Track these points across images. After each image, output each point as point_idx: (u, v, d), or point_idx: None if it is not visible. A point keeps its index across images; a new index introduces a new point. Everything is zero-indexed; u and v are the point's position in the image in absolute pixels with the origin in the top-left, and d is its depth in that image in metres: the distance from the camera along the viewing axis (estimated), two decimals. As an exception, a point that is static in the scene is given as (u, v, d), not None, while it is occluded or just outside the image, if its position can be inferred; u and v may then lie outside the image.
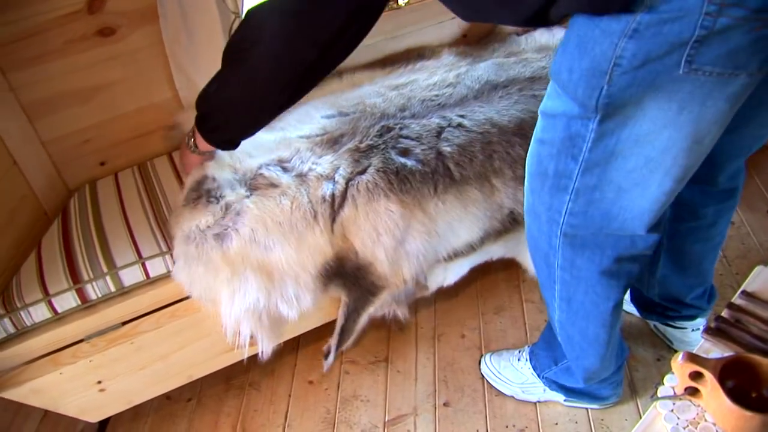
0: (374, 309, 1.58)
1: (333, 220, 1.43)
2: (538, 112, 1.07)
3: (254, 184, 1.48)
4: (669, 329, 1.63)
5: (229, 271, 1.38)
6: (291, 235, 1.40)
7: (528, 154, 1.14)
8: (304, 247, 1.41)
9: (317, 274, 1.44)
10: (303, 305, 1.44)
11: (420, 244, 1.47)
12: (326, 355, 1.62)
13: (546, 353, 1.51)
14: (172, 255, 1.45)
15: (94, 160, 1.85)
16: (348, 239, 1.45)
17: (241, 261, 1.38)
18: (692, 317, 1.57)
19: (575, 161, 1.00)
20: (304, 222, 1.41)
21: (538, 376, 1.55)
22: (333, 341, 1.60)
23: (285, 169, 1.53)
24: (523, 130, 1.56)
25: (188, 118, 1.62)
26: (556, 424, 1.54)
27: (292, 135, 1.65)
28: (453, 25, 2.15)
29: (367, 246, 1.45)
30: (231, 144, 1.38)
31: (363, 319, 1.59)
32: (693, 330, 1.59)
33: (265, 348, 1.50)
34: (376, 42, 2.06)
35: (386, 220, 1.43)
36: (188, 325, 1.47)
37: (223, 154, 1.55)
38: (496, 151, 1.53)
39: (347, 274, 1.49)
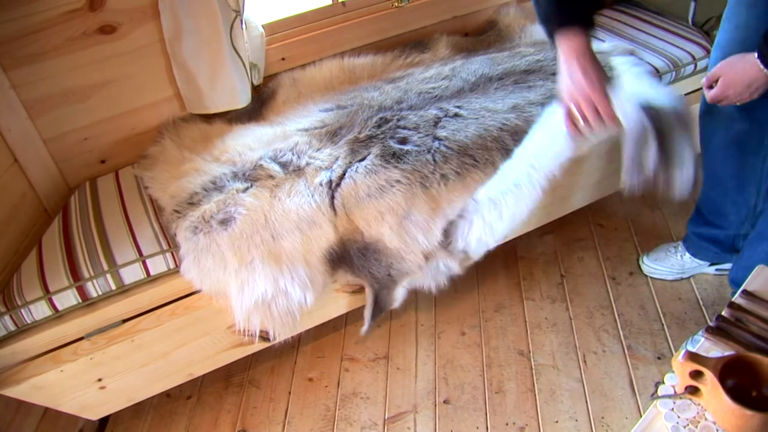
0: (407, 283, 1.58)
1: (332, 197, 1.45)
2: None
3: (254, 175, 1.53)
4: None
5: (236, 262, 1.39)
6: (294, 219, 1.42)
7: None
8: (307, 231, 1.43)
9: (323, 257, 1.45)
10: (314, 290, 1.45)
11: (427, 215, 1.48)
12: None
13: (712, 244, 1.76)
14: (173, 255, 1.45)
15: (94, 157, 1.85)
16: (352, 221, 1.46)
17: (248, 249, 1.39)
18: None
19: None
20: (306, 206, 1.44)
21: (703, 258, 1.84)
22: (366, 314, 1.58)
23: (283, 161, 1.55)
24: (518, 111, 1.59)
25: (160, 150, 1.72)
26: (557, 422, 1.54)
27: (291, 128, 1.69)
28: (455, 24, 2.15)
29: (372, 226, 1.46)
30: None
31: (398, 294, 1.59)
32: None
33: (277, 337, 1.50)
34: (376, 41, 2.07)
35: (388, 200, 1.44)
36: (188, 323, 1.47)
37: (223, 149, 1.59)
38: (492, 131, 1.55)
39: (357, 257, 1.49)
